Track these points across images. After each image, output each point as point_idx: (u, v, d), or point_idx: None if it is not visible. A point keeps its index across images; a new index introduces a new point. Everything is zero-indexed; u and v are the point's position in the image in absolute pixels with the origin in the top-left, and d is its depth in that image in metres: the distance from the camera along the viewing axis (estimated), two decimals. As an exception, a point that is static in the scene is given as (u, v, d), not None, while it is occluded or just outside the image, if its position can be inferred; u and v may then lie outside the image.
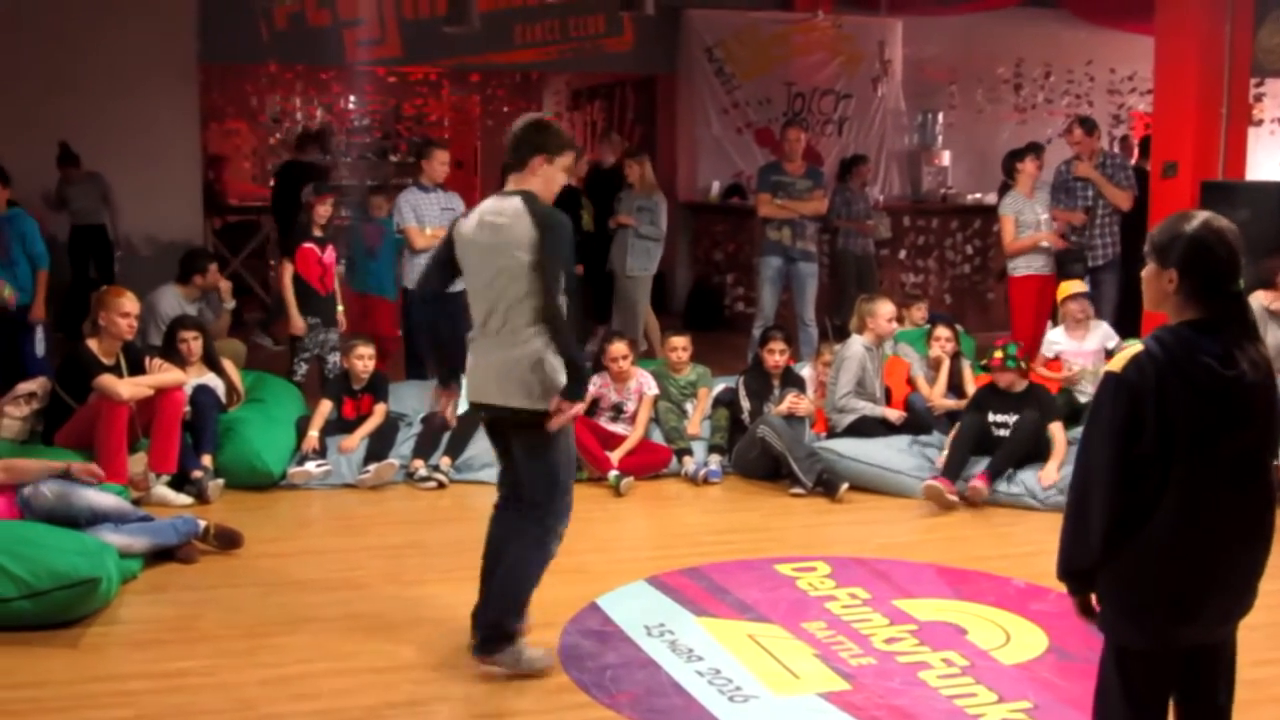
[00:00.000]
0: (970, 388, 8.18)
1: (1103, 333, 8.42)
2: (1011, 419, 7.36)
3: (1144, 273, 3.17)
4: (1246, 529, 3.07)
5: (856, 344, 8.01)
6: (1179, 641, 3.11)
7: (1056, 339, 8.55)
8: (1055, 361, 8.48)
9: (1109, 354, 8.01)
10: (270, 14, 12.78)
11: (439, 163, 9.10)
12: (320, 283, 8.76)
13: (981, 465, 7.23)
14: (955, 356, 8.41)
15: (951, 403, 8.10)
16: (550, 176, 4.83)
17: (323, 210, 8.77)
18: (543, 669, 4.80)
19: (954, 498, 7.09)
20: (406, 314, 9.22)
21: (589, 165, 11.88)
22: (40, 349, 8.60)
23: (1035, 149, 10.13)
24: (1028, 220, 9.61)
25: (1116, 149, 13.44)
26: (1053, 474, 7.12)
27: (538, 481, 4.80)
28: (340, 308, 8.99)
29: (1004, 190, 10.44)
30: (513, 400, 4.70)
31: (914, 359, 8.60)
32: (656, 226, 10.52)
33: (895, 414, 7.94)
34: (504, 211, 4.71)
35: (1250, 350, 3.03)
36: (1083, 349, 8.35)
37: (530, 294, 4.65)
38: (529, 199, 4.71)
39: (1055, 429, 7.32)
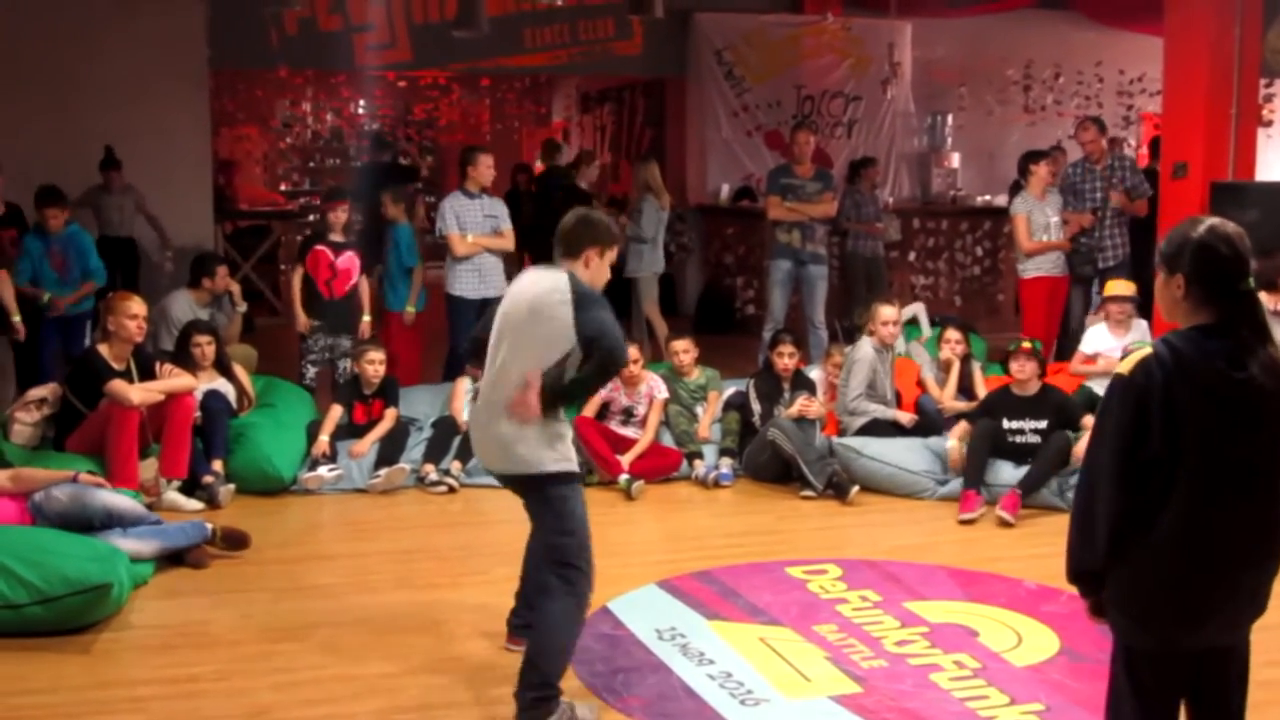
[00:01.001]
0: (980, 390, 8.17)
1: (1141, 331, 8.38)
2: (1028, 425, 7.31)
3: (1156, 283, 3.17)
4: (1255, 535, 3.05)
5: (866, 346, 8.00)
6: (1187, 645, 3.10)
7: (1096, 337, 8.50)
8: (1092, 359, 8.45)
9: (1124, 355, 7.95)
10: (280, 19, 12.78)
11: (485, 166, 9.10)
12: (326, 286, 8.69)
13: (999, 467, 7.24)
14: (965, 359, 8.39)
15: (962, 405, 8.09)
16: (599, 269, 4.67)
17: (335, 217, 8.76)
18: None
19: (984, 509, 7.05)
20: (453, 318, 9.21)
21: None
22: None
23: (1053, 152, 10.13)
24: (1037, 222, 9.63)
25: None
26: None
27: (559, 546, 4.58)
28: (366, 318, 8.86)
29: (1015, 189, 10.44)
30: (516, 467, 4.56)
31: (925, 361, 8.58)
32: (638, 227, 10.56)
33: (906, 417, 7.93)
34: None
35: (1261, 354, 3.02)
36: (1121, 346, 8.28)
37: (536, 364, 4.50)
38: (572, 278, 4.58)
39: (1088, 420, 7.27)
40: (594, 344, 4.45)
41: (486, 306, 8.73)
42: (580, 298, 4.47)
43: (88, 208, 11.59)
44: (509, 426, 4.49)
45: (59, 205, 8.91)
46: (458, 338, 9.18)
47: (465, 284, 8.95)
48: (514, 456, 4.52)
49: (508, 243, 9.15)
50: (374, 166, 13.19)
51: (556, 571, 4.53)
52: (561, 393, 4.48)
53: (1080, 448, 7.10)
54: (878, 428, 7.81)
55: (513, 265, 9.33)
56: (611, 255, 4.74)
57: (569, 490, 4.56)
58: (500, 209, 9.19)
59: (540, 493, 4.58)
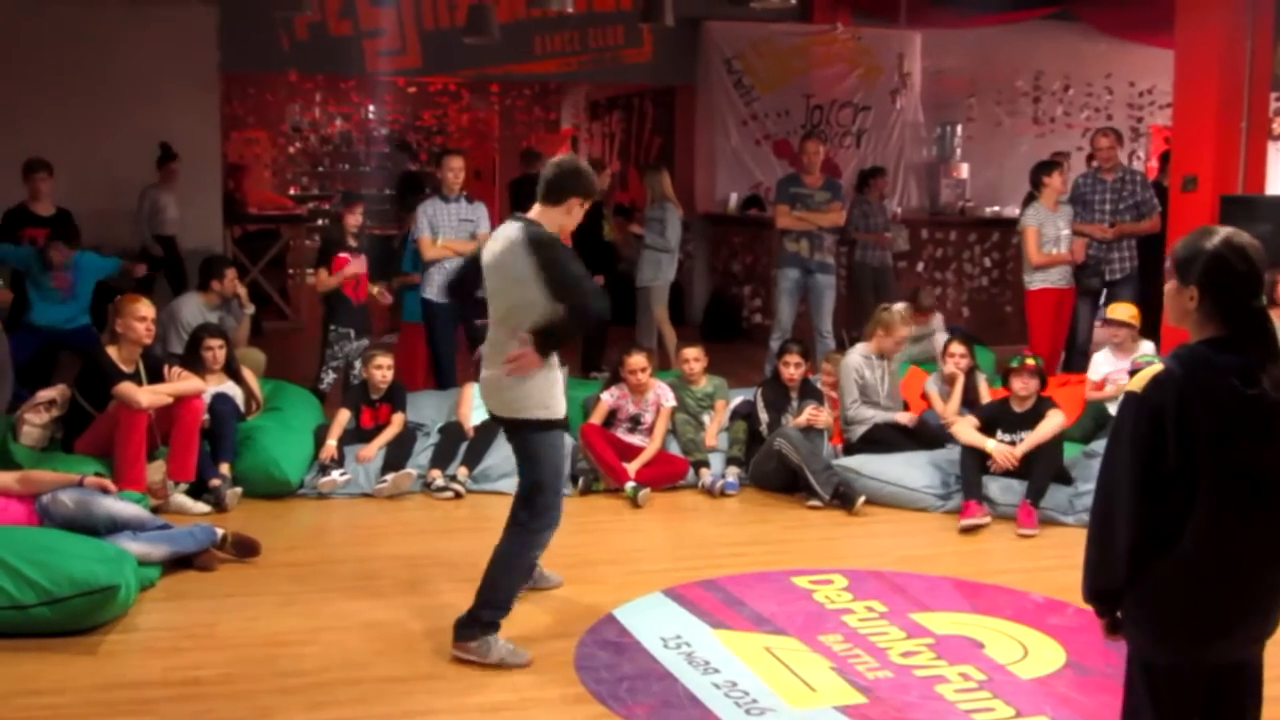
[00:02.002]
0: (986, 400, 8.12)
1: (1146, 350, 8.31)
2: (1019, 438, 7.31)
3: (1166, 289, 3.16)
4: (1273, 548, 3.05)
5: (853, 354, 8.05)
6: (1205, 659, 3.09)
7: (1102, 360, 8.46)
8: (1101, 384, 8.41)
9: (1131, 372, 7.92)
10: (291, 24, 12.81)
11: (446, 169, 9.08)
12: (354, 292, 8.80)
13: (996, 482, 7.23)
14: (970, 371, 8.34)
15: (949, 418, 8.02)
16: (577, 216, 5.13)
17: (352, 220, 8.84)
18: (514, 664, 4.99)
19: (988, 519, 7.06)
20: (427, 321, 9.22)
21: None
22: None
23: (1060, 163, 10.12)
24: (1048, 234, 9.60)
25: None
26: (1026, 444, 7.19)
27: (525, 484, 5.12)
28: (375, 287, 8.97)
29: (1028, 201, 10.43)
30: (503, 411, 5.11)
31: (933, 385, 8.49)
32: (664, 238, 10.53)
33: (907, 417, 7.95)
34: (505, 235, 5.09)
35: (1272, 369, 3.01)
36: (1127, 367, 8.22)
37: (517, 312, 4.98)
38: (528, 224, 5.03)
39: (1050, 414, 7.29)
40: (565, 295, 4.89)
41: (461, 312, 8.85)
42: (534, 242, 4.91)
43: (155, 214, 11.69)
44: (502, 373, 5.00)
45: (70, 243, 8.89)
46: (435, 342, 9.20)
47: (437, 289, 8.94)
48: (503, 400, 5.06)
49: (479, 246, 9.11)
50: (401, 176, 13.37)
51: (518, 509, 5.10)
52: (545, 340, 4.92)
53: (1006, 453, 7.17)
54: (881, 433, 7.82)
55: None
56: (569, 204, 5.04)
57: (544, 437, 5.03)
58: (479, 213, 9.13)
59: (519, 435, 5.08)
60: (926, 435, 7.92)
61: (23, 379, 8.29)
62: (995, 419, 7.43)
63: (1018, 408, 7.41)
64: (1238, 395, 2.97)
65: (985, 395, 8.24)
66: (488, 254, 5.12)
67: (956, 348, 8.35)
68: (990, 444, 7.25)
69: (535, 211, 5.07)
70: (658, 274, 10.70)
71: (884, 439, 7.82)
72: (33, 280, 8.76)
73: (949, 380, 8.28)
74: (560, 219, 5.06)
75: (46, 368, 8.87)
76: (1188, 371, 2.99)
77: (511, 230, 5.01)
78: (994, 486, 7.23)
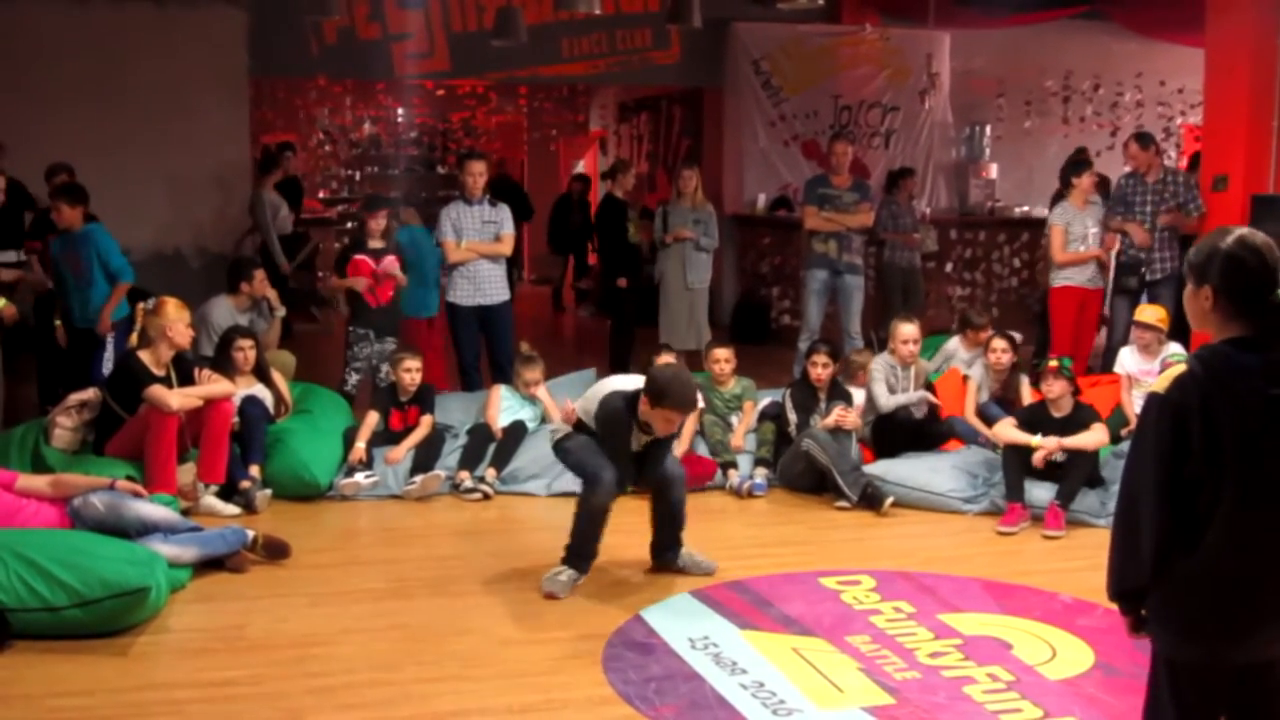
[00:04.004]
0: (1027, 402, 8.07)
1: (1170, 353, 8.25)
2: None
3: (1185, 293, 3.16)
4: None
5: (878, 361, 8.07)
6: (1230, 659, 3.08)
7: (1126, 359, 8.41)
8: (1128, 384, 8.36)
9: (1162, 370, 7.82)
10: (320, 28, 12.88)
11: (467, 174, 9.11)
12: (371, 294, 8.74)
13: (1032, 486, 7.19)
14: (1013, 368, 8.28)
15: (987, 431, 7.97)
16: (650, 415, 5.82)
17: (375, 224, 8.82)
18: (545, 590, 5.79)
19: (1026, 524, 7.03)
20: (451, 325, 9.25)
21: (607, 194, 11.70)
22: (108, 366, 8.30)
23: (1090, 162, 10.08)
24: (1076, 233, 9.57)
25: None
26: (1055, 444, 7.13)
27: None
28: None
29: (1056, 199, 10.38)
30: None
31: (976, 374, 8.44)
32: (712, 238, 10.53)
33: (920, 395, 8.02)
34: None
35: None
36: (1153, 369, 8.17)
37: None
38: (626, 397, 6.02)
39: (1094, 426, 7.23)
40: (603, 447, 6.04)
41: (484, 314, 8.86)
42: (601, 408, 5.97)
43: (269, 218, 11.82)
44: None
45: (70, 200, 8.44)
46: (460, 346, 9.21)
47: (460, 292, 9.02)
48: None
49: (503, 248, 9.13)
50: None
51: None
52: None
53: (1051, 444, 7.11)
54: (900, 433, 7.85)
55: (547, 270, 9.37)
56: (660, 413, 5.74)
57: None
58: (502, 215, 9.15)
59: None
60: (936, 431, 7.95)
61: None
62: (1034, 422, 7.35)
63: (1056, 413, 7.33)
64: (1260, 395, 2.97)
65: (1027, 393, 8.19)
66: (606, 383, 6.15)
67: (999, 342, 8.28)
68: (1036, 438, 7.18)
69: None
70: (705, 274, 10.64)
71: (888, 433, 7.91)
72: (59, 277, 8.56)
73: (996, 373, 8.23)
74: (644, 411, 5.80)
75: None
76: (1210, 371, 2.99)
77: (613, 388, 6.01)
78: (1038, 491, 7.17)
